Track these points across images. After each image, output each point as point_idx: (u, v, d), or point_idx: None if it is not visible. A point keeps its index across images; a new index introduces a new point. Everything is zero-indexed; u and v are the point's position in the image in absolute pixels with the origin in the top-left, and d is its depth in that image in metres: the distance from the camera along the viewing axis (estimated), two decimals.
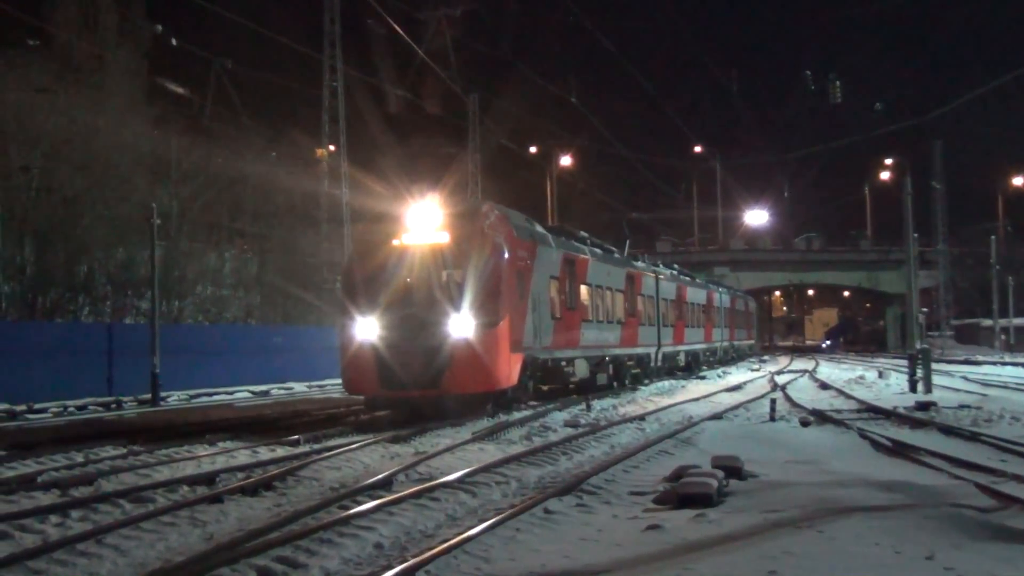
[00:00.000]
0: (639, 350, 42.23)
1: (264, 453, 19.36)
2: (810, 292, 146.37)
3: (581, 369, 33.00)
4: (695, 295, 56.58)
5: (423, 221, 25.66)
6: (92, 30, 43.89)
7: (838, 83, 42.00)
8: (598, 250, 38.11)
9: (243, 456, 18.90)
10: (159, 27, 41.38)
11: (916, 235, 46.74)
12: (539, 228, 31.36)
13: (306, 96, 53.00)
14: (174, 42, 35.80)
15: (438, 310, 24.70)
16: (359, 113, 54.53)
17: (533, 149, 76.43)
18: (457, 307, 24.51)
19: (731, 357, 68.94)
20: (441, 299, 24.88)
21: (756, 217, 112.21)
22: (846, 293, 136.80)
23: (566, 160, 79.95)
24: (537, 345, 27.76)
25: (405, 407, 25.39)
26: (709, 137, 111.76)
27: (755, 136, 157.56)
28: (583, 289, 33.76)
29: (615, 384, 38.06)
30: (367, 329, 24.86)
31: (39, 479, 15.96)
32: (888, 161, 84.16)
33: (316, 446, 20.19)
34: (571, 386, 34.19)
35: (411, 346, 24.43)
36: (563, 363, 31.43)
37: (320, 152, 50.02)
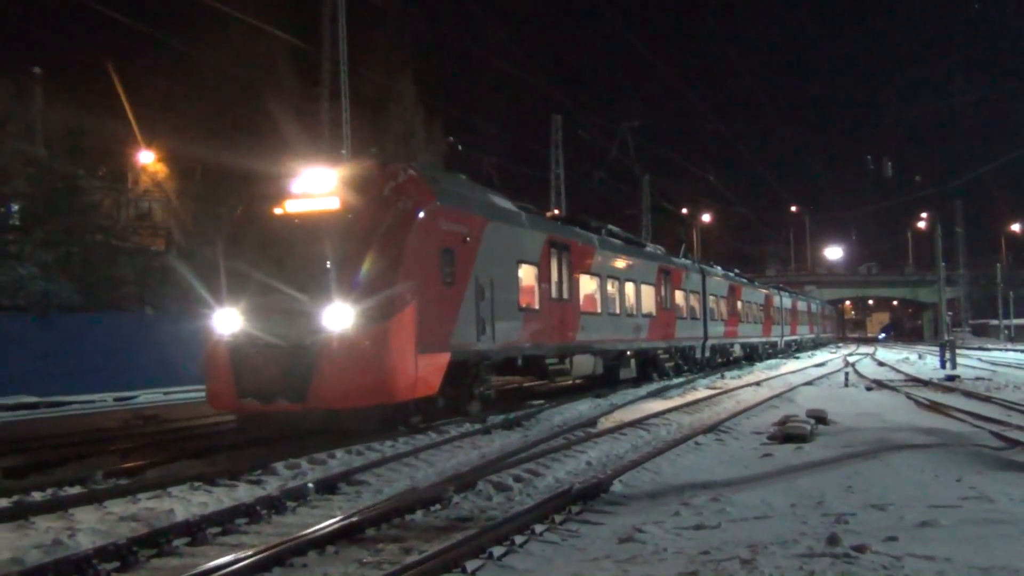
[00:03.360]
0: (678, 343, 28.19)
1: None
2: (870, 301, 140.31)
3: (583, 364, 20.06)
4: (751, 295, 41.85)
5: (310, 183, 13.81)
6: (409, 141, 45.30)
7: (889, 163, 40.42)
8: (616, 241, 24.10)
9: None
10: (451, 138, 42.47)
11: (944, 263, 44.80)
12: (504, 202, 17.79)
13: (537, 177, 53.41)
14: (459, 148, 36.82)
15: (311, 296, 12.71)
16: (573, 189, 54.72)
17: (684, 210, 75.18)
18: (336, 292, 12.66)
19: (793, 348, 54.64)
20: (316, 282, 12.88)
21: (833, 252, 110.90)
22: (895, 302, 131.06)
23: (706, 217, 78.97)
24: (487, 343, 15.24)
25: (281, 426, 13.16)
26: (801, 199, 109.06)
27: (832, 198, 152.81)
28: (586, 279, 20.52)
29: (655, 376, 25.92)
30: (227, 321, 13.05)
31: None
32: (924, 215, 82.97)
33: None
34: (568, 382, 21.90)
35: (274, 344, 12.68)
36: (546, 359, 18.37)
37: (549, 215, 50.79)
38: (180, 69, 33.24)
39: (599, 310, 21.29)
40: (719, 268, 38.12)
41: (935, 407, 17.49)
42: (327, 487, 9.45)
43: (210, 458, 11.77)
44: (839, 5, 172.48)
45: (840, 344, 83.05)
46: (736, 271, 43.51)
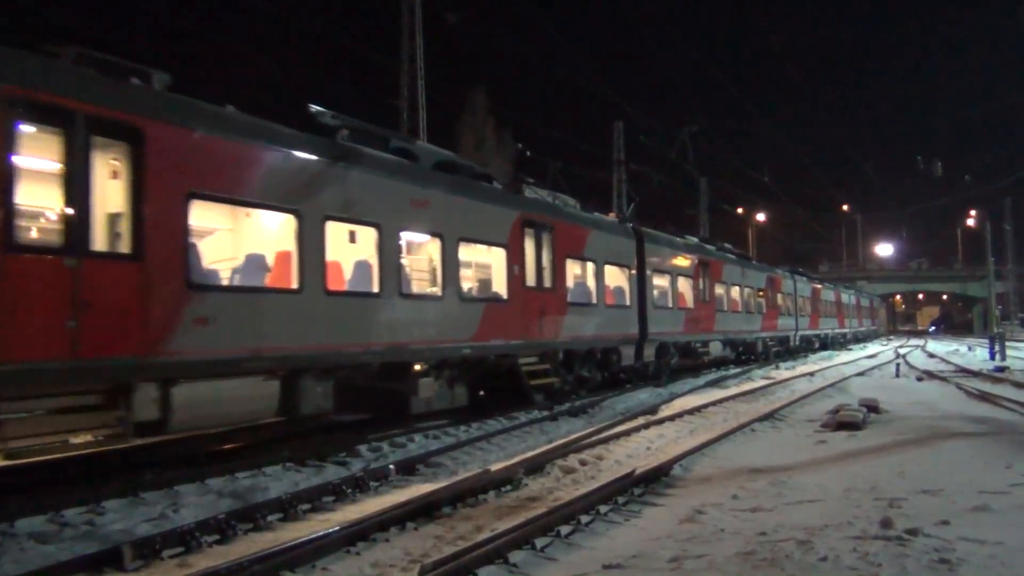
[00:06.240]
0: (573, 344, 16.33)
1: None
2: (920, 296, 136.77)
3: (212, 404, 8.51)
4: (742, 276, 28.57)
5: None
6: (481, 148, 45.33)
7: (939, 163, 39.09)
8: (384, 156, 11.58)
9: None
10: (519, 145, 42.45)
11: (993, 259, 43.33)
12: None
13: (602, 180, 52.96)
14: (528, 153, 36.71)
15: None
16: (635, 190, 54.21)
17: (739, 210, 73.98)
18: None
19: (818, 345, 42.08)
20: None
21: (884, 249, 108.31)
22: (944, 296, 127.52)
23: (761, 216, 77.59)
24: None
25: None
26: (853, 199, 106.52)
27: (884, 198, 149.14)
28: (237, 221, 10.31)
29: (536, 399, 15.06)
30: None
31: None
32: (973, 212, 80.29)
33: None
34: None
35: None
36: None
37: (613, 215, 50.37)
38: None
39: (295, 284, 9.78)
40: (688, 237, 25.89)
41: (985, 397, 16.91)
42: (406, 468, 9.51)
43: (301, 441, 11.95)
44: (891, 10, 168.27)
45: (891, 337, 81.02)
46: (726, 245, 30.98)
